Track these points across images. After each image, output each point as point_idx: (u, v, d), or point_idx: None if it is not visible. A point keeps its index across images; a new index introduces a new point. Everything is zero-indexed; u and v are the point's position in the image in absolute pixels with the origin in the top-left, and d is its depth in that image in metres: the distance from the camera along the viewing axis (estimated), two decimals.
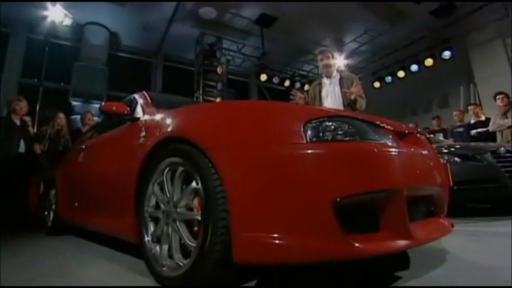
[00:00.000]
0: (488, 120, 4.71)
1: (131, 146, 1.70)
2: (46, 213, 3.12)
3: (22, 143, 3.75)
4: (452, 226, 1.35)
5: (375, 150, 0.99)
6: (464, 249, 1.65)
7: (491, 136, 4.50)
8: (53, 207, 2.98)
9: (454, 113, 5.51)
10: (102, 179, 2.07)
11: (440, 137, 5.52)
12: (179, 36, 7.89)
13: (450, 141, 5.02)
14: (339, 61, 8.72)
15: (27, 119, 3.92)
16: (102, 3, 6.48)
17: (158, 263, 1.30)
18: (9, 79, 6.48)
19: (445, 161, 2.98)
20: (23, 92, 6.68)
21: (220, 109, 1.35)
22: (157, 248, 1.35)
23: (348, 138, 1.02)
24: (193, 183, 1.20)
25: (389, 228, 1.00)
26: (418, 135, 1.35)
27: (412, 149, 1.20)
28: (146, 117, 1.80)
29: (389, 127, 1.18)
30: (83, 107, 6.78)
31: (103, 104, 2.06)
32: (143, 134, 1.64)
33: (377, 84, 8.38)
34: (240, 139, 1.11)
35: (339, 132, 1.03)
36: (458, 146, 3.25)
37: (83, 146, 2.70)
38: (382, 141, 1.07)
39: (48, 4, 6.08)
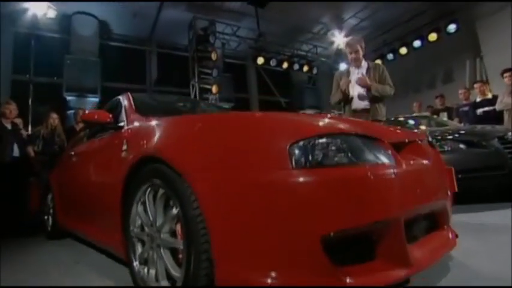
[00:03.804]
0: (495, 98, 4.49)
1: (114, 158, 1.61)
2: (46, 217, 3.10)
3: (16, 147, 3.67)
4: (457, 236, 1.27)
5: (370, 175, 0.88)
6: (469, 253, 1.57)
7: (498, 115, 4.32)
8: (51, 211, 2.96)
9: (460, 91, 5.28)
10: (92, 190, 1.99)
11: (445, 116, 5.33)
12: (171, 22, 7.58)
13: (455, 122, 4.85)
14: (339, 39, 8.39)
15: (19, 121, 3.82)
16: None
17: (146, 284, 1.25)
18: (1, 76, 6.31)
19: (449, 148, 2.86)
20: (16, 89, 6.56)
21: (201, 125, 1.23)
22: (145, 270, 1.29)
23: (340, 161, 0.91)
24: (174, 209, 1.11)
25: (386, 256, 0.92)
26: (420, 142, 1.24)
27: (412, 162, 1.09)
28: (129, 126, 1.70)
29: (387, 139, 1.06)
30: (78, 102, 6.65)
31: (86, 112, 1.96)
32: (125, 147, 1.55)
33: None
34: (221, 163, 1.01)
35: (330, 154, 0.92)
36: (463, 132, 3.11)
37: (74, 151, 2.62)
38: (379, 161, 0.96)
39: None
